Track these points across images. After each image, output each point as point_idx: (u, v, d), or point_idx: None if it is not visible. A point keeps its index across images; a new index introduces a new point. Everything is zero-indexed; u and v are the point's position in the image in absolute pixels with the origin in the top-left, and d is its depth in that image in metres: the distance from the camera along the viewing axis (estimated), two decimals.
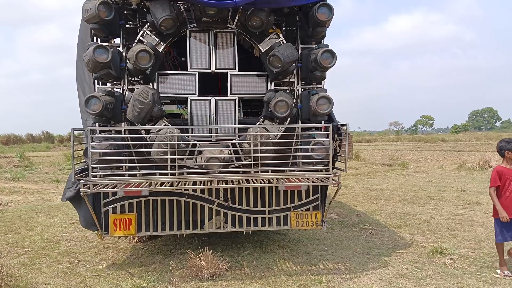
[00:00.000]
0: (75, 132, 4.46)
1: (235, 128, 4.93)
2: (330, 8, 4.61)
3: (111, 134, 4.71)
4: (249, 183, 4.60)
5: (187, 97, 5.01)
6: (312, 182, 4.63)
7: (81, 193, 4.23)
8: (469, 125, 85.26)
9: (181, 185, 4.51)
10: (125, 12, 4.96)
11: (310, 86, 5.11)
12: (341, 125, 5.00)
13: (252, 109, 7.36)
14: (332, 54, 4.64)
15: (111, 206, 4.85)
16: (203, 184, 4.52)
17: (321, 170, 4.74)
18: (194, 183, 4.51)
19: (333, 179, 4.53)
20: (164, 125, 4.76)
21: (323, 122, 4.98)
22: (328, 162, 4.60)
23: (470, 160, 17.63)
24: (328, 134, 4.61)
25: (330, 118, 5.20)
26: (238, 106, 6.06)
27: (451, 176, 13.89)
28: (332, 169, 4.66)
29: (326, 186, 5.02)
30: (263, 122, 5.01)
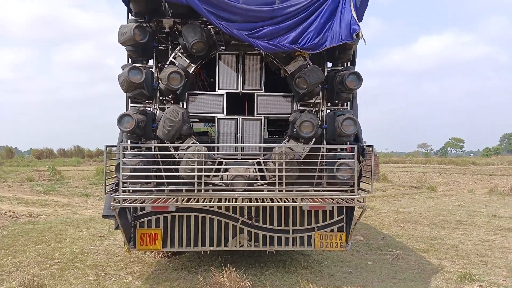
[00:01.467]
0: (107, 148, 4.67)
1: (260, 147, 5.02)
2: (356, 35, 4.69)
3: (141, 151, 4.88)
4: (273, 201, 4.65)
5: (215, 116, 5.16)
6: (337, 202, 4.64)
7: (111, 208, 4.39)
8: (501, 148, 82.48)
9: (206, 202, 4.61)
10: (158, 35, 5.19)
11: (336, 108, 5.16)
12: (367, 146, 5.01)
13: (277, 128, 7.45)
14: (358, 77, 4.70)
15: (139, 221, 4.99)
16: (228, 202, 4.60)
17: (346, 191, 4.75)
18: (219, 200, 4.60)
19: (358, 201, 4.53)
20: (192, 143, 4.90)
21: (348, 143, 5.00)
22: (353, 183, 4.61)
23: (502, 184, 17.04)
24: (353, 155, 4.62)
25: (357, 138, 5.23)
26: (264, 126, 6.17)
27: (481, 200, 13.46)
28: (357, 190, 4.66)
29: (352, 207, 5.01)
30: (288, 141, 5.08)
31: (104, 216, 5.06)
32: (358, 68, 5.20)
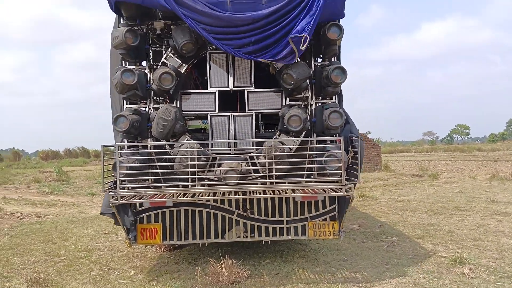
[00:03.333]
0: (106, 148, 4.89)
1: (252, 142, 5.19)
2: (339, 28, 4.86)
3: (138, 150, 5.08)
4: (266, 194, 4.83)
5: (207, 113, 5.34)
6: (326, 192, 4.81)
7: (110, 204, 4.60)
8: (507, 134, 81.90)
9: (201, 196, 4.81)
10: (150, 37, 5.37)
11: (324, 101, 5.32)
12: (355, 137, 5.16)
13: (273, 123, 7.61)
14: (343, 71, 4.86)
15: (138, 216, 5.20)
16: (222, 195, 4.80)
17: (336, 181, 4.92)
18: (214, 194, 4.80)
19: (346, 190, 4.70)
20: (186, 140, 5.09)
21: (337, 134, 5.16)
22: (341, 173, 4.77)
23: (506, 170, 17.09)
24: (340, 146, 4.79)
25: (351, 130, 5.39)
26: (258, 121, 6.35)
27: (482, 186, 13.55)
28: (346, 180, 4.82)
29: (343, 197, 5.17)
30: (279, 135, 5.26)
31: (101, 214, 5.31)
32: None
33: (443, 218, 8.55)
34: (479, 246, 6.30)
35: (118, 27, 5.08)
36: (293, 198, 5.14)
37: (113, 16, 5.43)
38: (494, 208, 9.45)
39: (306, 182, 5.03)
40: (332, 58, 5.40)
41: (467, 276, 5.00)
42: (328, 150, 4.90)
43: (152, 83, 5.09)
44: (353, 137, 5.21)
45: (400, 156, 36.37)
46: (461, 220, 8.28)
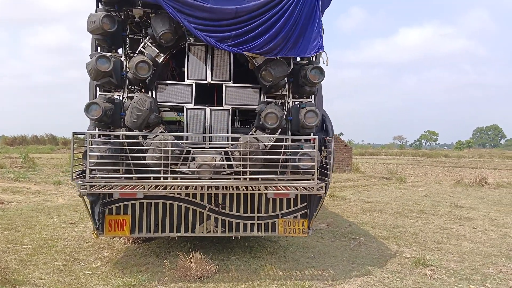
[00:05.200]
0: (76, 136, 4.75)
1: (228, 137, 5.18)
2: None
3: (109, 139, 4.97)
4: (239, 189, 4.83)
5: (183, 106, 5.28)
6: (298, 190, 4.86)
7: (78, 194, 4.49)
8: (473, 142, 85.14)
9: (173, 189, 4.76)
10: (128, 24, 5.24)
11: (301, 100, 5.36)
12: (328, 137, 5.23)
13: (249, 119, 7.62)
14: (320, 71, 4.91)
15: (107, 207, 5.09)
16: (194, 189, 4.76)
17: (308, 180, 4.98)
18: (186, 187, 4.76)
19: (317, 189, 4.76)
20: (160, 132, 5.02)
21: (311, 134, 5.22)
22: (314, 172, 4.83)
23: (469, 176, 17.74)
24: (314, 146, 4.84)
25: (326, 129, 5.45)
26: (235, 116, 6.32)
27: (447, 191, 14.03)
28: (317, 179, 4.88)
29: (313, 195, 5.24)
30: (255, 132, 5.26)
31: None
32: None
33: (409, 221, 8.80)
34: (442, 249, 6.52)
35: (96, 11, 4.94)
36: (266, 194, 5.16)
37: (89, 0, 5.28)
38: (457, 212, 9.80)
39: (279, 179, 5.07)
40: (311, 58, 5.44)
41: (429, 277, 5.17)
42: (302, 149, 4.95)
43: (128, 71, 4.98)
44: (327, 137, 5.28)
45: (370, 159, 37.18)
46: (425, 223, 8.54)
